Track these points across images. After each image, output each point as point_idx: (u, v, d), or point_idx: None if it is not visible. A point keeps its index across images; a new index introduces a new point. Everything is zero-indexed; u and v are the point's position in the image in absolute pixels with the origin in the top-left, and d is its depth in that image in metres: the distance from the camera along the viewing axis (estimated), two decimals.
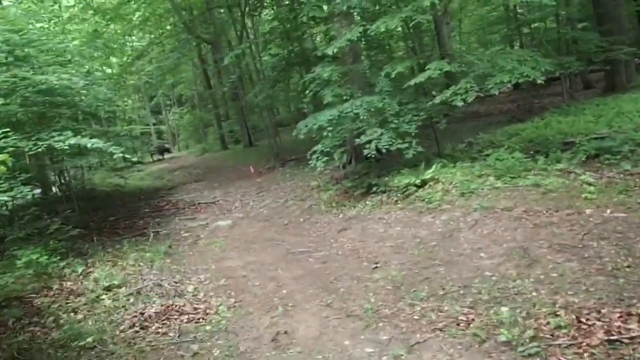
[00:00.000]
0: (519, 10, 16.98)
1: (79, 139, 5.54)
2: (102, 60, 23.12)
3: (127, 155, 6.22)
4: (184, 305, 4.43)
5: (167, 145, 28.09)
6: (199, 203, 10.37)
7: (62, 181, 11.18)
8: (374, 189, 7.74)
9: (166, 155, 26.03)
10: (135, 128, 28.03)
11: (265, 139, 16.48)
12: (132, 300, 4.69)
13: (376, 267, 4.87)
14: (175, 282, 5.22)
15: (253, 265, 5.69)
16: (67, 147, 5.50)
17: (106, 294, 4.81)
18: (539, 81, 6.77)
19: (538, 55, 7.84)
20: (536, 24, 15.78)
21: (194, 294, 4.86)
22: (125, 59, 25.24)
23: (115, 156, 6.19)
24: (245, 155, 18.50)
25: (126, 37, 24.76)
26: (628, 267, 3.74)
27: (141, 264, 6.06)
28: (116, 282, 5.06)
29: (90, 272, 5.71)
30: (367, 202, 7.44)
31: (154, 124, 33.84)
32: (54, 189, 11.60)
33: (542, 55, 8.53)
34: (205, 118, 28.87)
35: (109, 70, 25.96)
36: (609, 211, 4.88)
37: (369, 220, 6.62)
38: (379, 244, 5.58)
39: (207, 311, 4.33)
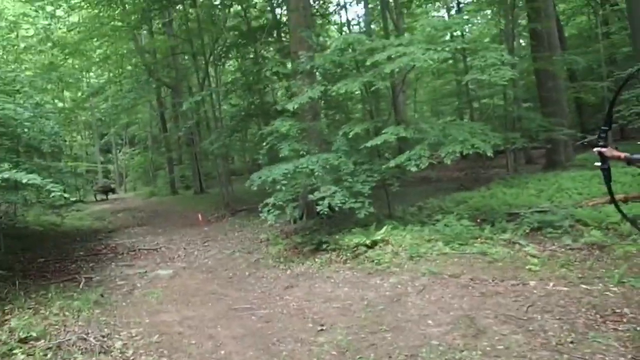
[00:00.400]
0: (470, 86, 18.10)
1: (14, 173, 5.14)
2: (54, 94, 22.44)
3: (65, 195, 5.80)
4: None
5: (112, 185, 27.00)
6: (139, 249, 9.82)
7: None
8: (324, 246, 7.63)
9: (111, 196, 24.95)
10: (80, 165, 26.93)
11: (217, 186, 16.17)
12: (49, 355, 4.19)
13: (322, 329, 4.66)
14: (103, 337, 4.76)
15: (191, 320, 5.32)
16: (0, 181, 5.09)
17: (20, 348, 4.29)
18: (489, 153, 7.06)
19: (488, 129, 8.26)
20: (485, 100, 16.86)
21: (121, 350, 4.43)
22: (80, 94, 24.63)
23: (52, 194, 5.75)
24: (195, 202, 18.02)
25: (83, 73, 24.29)
26: (571, 342, 3.75)
27: (67, 313, 5.52)
28: (34, 334, 4.54)
29: (6, 320, 5.14)
30: (316, 259, 7.29)
31: (102, 163, 32.67)
32: None
33: (490, 129, 9.00)
34: (156, 161, 28.25)
35: (60, 104, 25.15)
36: (551, 284, 4.98)
37: (316, 279, 6.44)
38: (326, 304, 5.39)
39: None
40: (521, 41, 22.27)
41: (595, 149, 2.83)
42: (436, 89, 24.54)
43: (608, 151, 2.84)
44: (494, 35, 18.32)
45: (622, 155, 2.79)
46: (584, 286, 4.79)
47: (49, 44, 18.01)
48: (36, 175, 5.56)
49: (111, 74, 23.84)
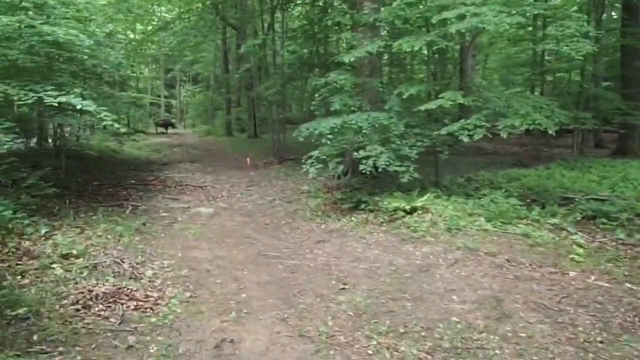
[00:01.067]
0: (546, 57, 16.81)
1: (70, 97, 5.33)
2: (125, 25, 23.01)
3: (117, 125, 5.98)
4: (136, 290, 4.22)
5: (172, 120, 27.92)
6: (187, 184, 10.17)
7: (57, 136, 11.02)
8: (363, 205, 7.56)
9: (170, 130, 25.86)
10: (144, 97, 27.88)
11: (271, 132, 16.29)
12: (85, 274, 4.47)
13: (343, 288, 4.66)
14: (137, 263, 5.01)
15: (221, 260, 5.48)
16: (56, 103, 5.30)
17: (61, 263, 4.60)
18: (550, 131, 6.57)
19: (555, 104, 7.66)
20: (561, 74, 15.64)
21: (151, 279, 4.65)
22: (149, 27, 25.12)
23: (104, 123, 5.96)
24: (247, 146, 18.35)
25: (154, 7, 24.63)
26: (601, 342, 3.53)
27: (109, 236, 5.86)
28: (75, 252, 4.85)
29: (54, 234, 5.51)
30: (353, 217, 7.24)
31: (165, 97, 33.70)
32: (50, 141, 11.46)
33: (559, 105, 8.35)
34: (216, 101, 28.77)
35: (132, 36, 25.86)
36: (593, 278, 4.68)
37: (349, 237, 6.41)
38: (353, 264, 5.37)
39: (158, 301, 4.12)
40: (613, 13, 20.26)
41: None
42: (510, 57, 22.99)
43: None
44: (582, 3, 16.69)
45: None
46: (628, 285, 4.46)
47: None
48: (91, 102, 5.73)
49: (181, 10, 24.07)
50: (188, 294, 4.39)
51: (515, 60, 21.53)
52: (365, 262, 5.43)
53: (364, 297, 4.37)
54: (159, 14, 27.57)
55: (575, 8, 18.29)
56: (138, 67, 29.32)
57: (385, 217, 6.98)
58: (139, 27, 26.74)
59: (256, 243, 6.28)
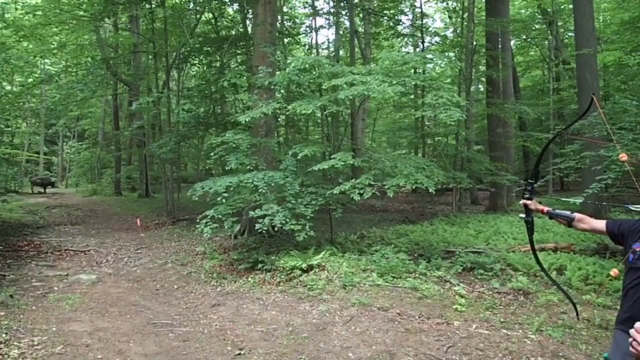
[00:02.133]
0: (427, 123, 18.60)
1: None
2: (1, 76, 21.23)
3: None
4: None
5: (52, 179, 25.65)
6: (66, 249, 9.25)
7: None
8: (260, 265, 7.46)
9: (49, 190, 23.68)
10: (19, 154, 25.45)
11: (164, 192, 15.65)
12: None
13: (239, 353, 4.47)
14: (0, 342, 4.37)
15: (103, 332, 4.98)
16: None
17: None
18: (430, 190, 7.17)
19: (434, 165, 8.42)
20: (439, 138, 17.34)
21: None
22: (30, 79, 23.42)
23: None
24: (137, 206, 17.38)
25: (37, 58, 23.17)
26: None
27: None
28: None
29: None
30: (250, 278, 7.09)
31: (45, 154, 31.05)
32: None
33: (438, 166, 9.20)
34: (104, 158, 27.19)
35: (8, 87, 23.83)
36: (474, 326, 5.03)
37: (246, 299, 6.24)
38: (250, 326, 5.21)
39: None
40: (480, 86, 23.31)
41: (521, 201, 2.87)
42: (395, 121, 25.11)
43: (532, 204, 2.90)
44: (455, 77, 19.01)
45: (545, 209, 2.86)
46: (504, 331, 4.86)
47: (2, 24, 17.03)
48: None
49: (67, 63, 22.90)
50: None
51: (400, 125, 23.58)
52: (262, 324, 5.29)
53: None
54: (42, 66, 25.94)
55: (449, 80, 20.75)
56: (14, 121, 26.87)
57: (282, 276, 6.95)
58: (17, 78, 24.82)
59: (145, 311, 5.84)
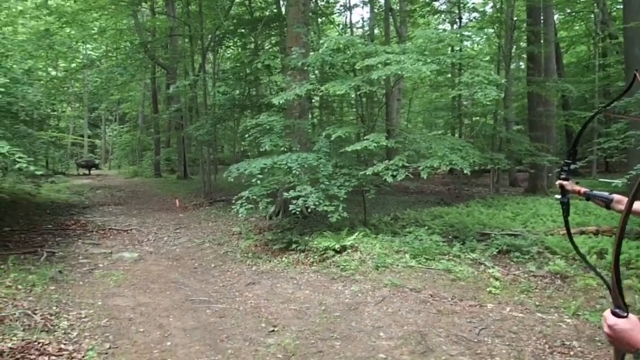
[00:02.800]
0: (464, 102, 18.16)
1: None
2: (46, 61, 22.07)
3: (32, 167, 5.64)
4: (48, 344, 3.91)
5: (96, 161, 26.65)
6: (110, 228, 9.67)
7: None
8: (294, 246, 7.58)
9: (93, 171, 24.64)
10: (65, 137, 26.52)
11: (202, 174, 16.03)
12: None
13: (273, 330, 4.61)
14: (50, 315, 4.65)
15: (145, 307, 5.23)
16: None
17: None
18: (466, 171, 7.05)
19: (470, 146, 8.25)
20: (476, 118, 16.91)
21: (66, 331, 4.33)
22: (73, 65, 24.24)
23: (17, 165, 5.61)
24: (176, 187, 17.88)
25: (79, 44, 23.91)
26: None
27: (19, 286, 5.41)
28: None
29: None
30: (284, 258, 7.23)
31: (89, 137, 32.24)
32: None
33: (474, 147, 9.00)
34: (144, 141, 27.99)
35: (53, 73, 24.75)
36: (508, 309, 4.98)
37: (280, 278, 6.38)
38: (284, 305, 5.34)
39: (73, 355, 3.84)
40: (520, 64, 22.46)
41: (557, 182, 2.81)
42: (431, 101, 24.62)
43: (569, 185, 2.81)
44: (494, 54, 18.39)
45: (582, 190, 2.77)
46: (539, 314, 4.79)
47: (46, 11, 17.62)
48: (4, 142, 5.40)
49: (107, 48, 23.53)
50: (107, 345, 4.13)
51: (436, 105, 23.08)
52: (295, 302, 5.41)
53: (293, 339, 4.34)
54: (83, 52, 26.75)
55: (487, 58, 20.10)
56: (60, 106, 27.97)
57: (315, 256, 7.05)
58: (61, 64, 25.73)
59: (183, 288, 6.07)
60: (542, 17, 14.72)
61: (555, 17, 19.97)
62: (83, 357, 3.84)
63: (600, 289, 5.36)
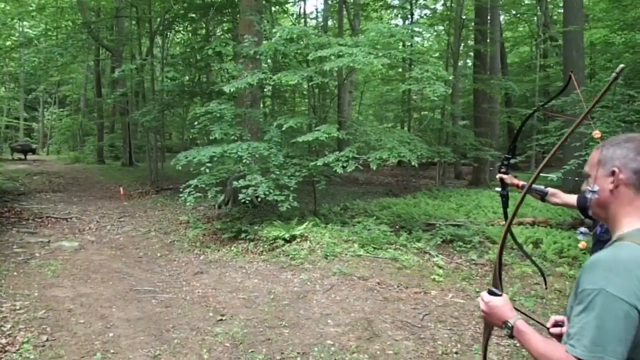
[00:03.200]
0: (413, 97, 18.58)
1: None
2: None
3: None
4: None
5: (33, 146, 25.14)
6: (48, 216, 9.19)
7: None
8: (243, 235, 7.53)
9: (30, 156, 23.24)
10: None
11: (148, 161, 15.52)
12: None
13: (221, 319, 4.57)
14: None
15: (85, 298, 5.03)
16: None
17: None
18: (413, 163, 7.25)
19: (418, 140, 8.49)
20: (425, 112, 17.39)
21: None
22: (8, 42, 22.69)
23: None
24: (121, 174, 17.22)
25: (15, 20, 22.39)
26: (456, 352, 3.92)
27: None
28: None
29: None
30: (233, 247, 7.17)
31: (25, 120, 30.35)
32: None
33: (422, 140, 9.26)
34: (87, 125, 26.74)
35: None
36: (450, 295, 5.20)
37: (228, 267, 6.33)
38: (232, 294, 5.30)
39: (7, 348, 3.64)
40: (468, 61, 23.25)
41: (497, 175, 2.95)
42: (382, 95, 25.00)
43: (508, 178, 2.96)
44: (443, 51, 18.91)
45: (520, 183, 2.92)
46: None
47: None
48: None
49: (47, 27, 22.20)
50: (45, 337, 3.95)
51: (387, 98, 23.48)
52: (244, 291, 5.39)
53: (241, 327, 4.32)
54: (20, 29, 25.08)
55: (437, 54, 20.65)
56: None
57: (265, 246, 7.04)
58: None
59: (127, 278, 5.89)
60: (489, 17, 15.30)
61: (501, 17, 20.78)
62: (17, 350, 3.65)
63: (535, 276, 5.70)
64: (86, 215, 9.62)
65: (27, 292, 5.07)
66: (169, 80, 12.47)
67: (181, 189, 7.60)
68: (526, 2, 21.89)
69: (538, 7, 20.74)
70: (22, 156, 22.78)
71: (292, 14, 22.65)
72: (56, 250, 6.99)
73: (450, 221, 8.22)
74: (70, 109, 30.34)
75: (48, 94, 31.22)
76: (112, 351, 3.80)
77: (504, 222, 6.71)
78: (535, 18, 21.81)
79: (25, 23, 24.74)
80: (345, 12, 19.11)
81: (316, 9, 36.09)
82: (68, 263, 6.37)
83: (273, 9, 18.74)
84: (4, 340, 3.78)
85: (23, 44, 20.77)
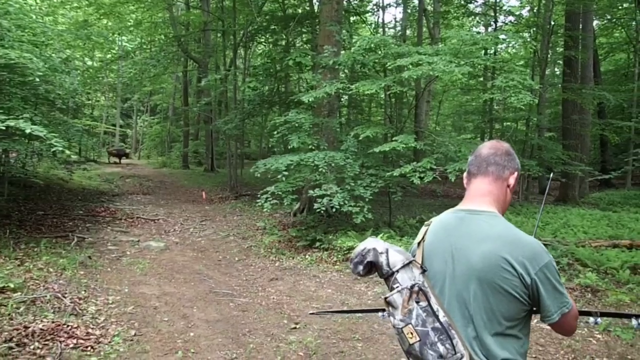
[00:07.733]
0: (495, 106, 17.81)
1: (19, 122, 5.16)
2: (84, 51, 22.64)
3: (67, 152, 5.81)
4: (76, 327, 4.01)
5: (127, 150, 27.24)
6: (138, 217, 9.87)
7: (1, 163, 10.51)
8: (318, 244, 7.59)
9: (124, 160, 25.19)
10: (99, 125, 27.19)
11: (228, 167, 16.18)
12: (21, 309, 4.21)
13: (295, 327, 4.62)
14: (79, 299, 4.78)
15: (169, 297, 5.31)
16: (3, 127, 5.11)
17: None
18: None
19: None
20: (508, 123, 16.57)
21: (94, 316, 4.44)
22: (108, 55, 24.82)
23: (54, 149, 5.78)
24: (203, 179, 18.12)
25: (116, 35, 24.48)
26: None
27: (51, 269, 5.58)
28: (12, 285, 4.57)
29: None
30: (307, 256, 7.25)
31: (120, 127, 32.97)
32: None
33: None
34: (174, 132, 28.44)
35: (89, 63, 25.41)
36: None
37: (302, 275, 6.40)
38: (306, 302, 5.35)
39: (100, 339, 3.93)
40: (556, 69, 21.89)
41: None
42: (462, 104, 24.23)
43: None
44: (529, 59, 17.98)
45: None
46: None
47: (85, 2, 18.12)
48: (42, 127, 5.56)
49: (142, 41, 24.04)
50: (133, 332, 4.21)
51: (467, 108, 22.71)
52: (317, 300, 5.41)
53: (315, 337, 4.33)
54: (119, 43, 27.36)
55: (522, 62, 19.66)
56: (94, 95, 28.69)
57: (339, 255, 7.04)
58: (97, 54, 26.37)
59: (207, 280, 6.15)
60: (580, 23, 14.31)
61: (595, 23, 19.39)
62: (109, 342, 3.92)
63: (634, 305, 5.18)
64: (171, 217, 10.21)
65: (119, 288, 5.45)
66: (250, 90, 12.95)
67: (259, 196, 7.83)
68: (624, 5, 20.25)
69: (637, 11, 19.09)
70: (117, 160, 24.73)
71: (371, 24, 22.66)
72: (144, 250, 7.47)
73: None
74: (160, 117, 32.50)
75: (141, 103, 33.72)
76: (192, 350, 3.96)
77: (596, 243, 6.18)
78: (634, 23, 20.09)
79: (123, 37, 26.94)
80: (424, 21, 18.80)
81: (395, 18, 35.89)
82: (155, 262, 6.78)
83: (352, 19, 18.92)
84: (97, 332, 4.07)
85: (121, 57, 22.62)
